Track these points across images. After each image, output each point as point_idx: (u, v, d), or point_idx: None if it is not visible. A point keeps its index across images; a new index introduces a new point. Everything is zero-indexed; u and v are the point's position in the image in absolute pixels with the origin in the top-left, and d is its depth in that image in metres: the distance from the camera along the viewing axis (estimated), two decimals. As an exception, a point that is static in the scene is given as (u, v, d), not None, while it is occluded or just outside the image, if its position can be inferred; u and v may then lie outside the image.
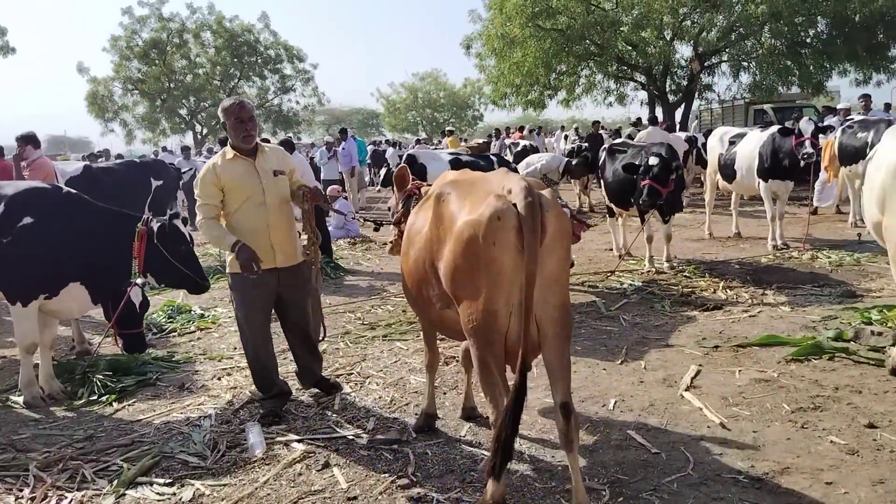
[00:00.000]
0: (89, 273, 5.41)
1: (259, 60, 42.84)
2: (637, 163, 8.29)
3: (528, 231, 3.00)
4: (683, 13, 20.35)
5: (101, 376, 5.82)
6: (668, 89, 23.35)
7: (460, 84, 60.09)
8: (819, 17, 19.86)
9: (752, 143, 10.30)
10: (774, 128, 10.35)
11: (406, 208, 4.42)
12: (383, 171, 17.35)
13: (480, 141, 24.53)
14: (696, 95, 24.37)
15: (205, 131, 43.05)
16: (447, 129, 25.84)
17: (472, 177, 3.71)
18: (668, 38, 20.30)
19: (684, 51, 22.94)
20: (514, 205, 3.07)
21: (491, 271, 3.10)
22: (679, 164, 8.22)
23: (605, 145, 10.33)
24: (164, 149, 28.31)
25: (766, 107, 22.49)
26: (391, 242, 4.80)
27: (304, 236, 5.03)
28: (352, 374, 5.76)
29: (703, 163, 14.53)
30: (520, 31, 19.88)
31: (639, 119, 24.34)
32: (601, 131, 18.65)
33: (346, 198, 15.91)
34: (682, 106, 23.73)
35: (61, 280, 5.37)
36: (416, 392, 5.25)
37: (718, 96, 25.68)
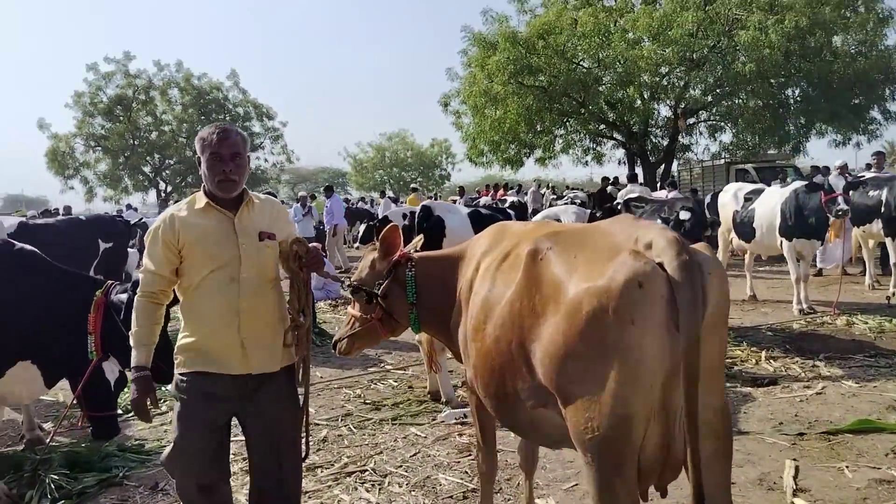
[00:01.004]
0: (41, 349, 4.35)
1: (227, 118, 42.02)
2: (666, 217, 7.55)
3: (685, 303, 2.11)
4: (666, 70, 20.15)
5: (55, 475, 4.69)
6: (647, 148, 23.04)
7: (427, 144, 60.24)
8: (801, 78, 19.75)
9: (773, 200, 9.66)
10: (796, 184, 9.75)
11: (394, 278, 3.54)
12: (362, 228, 16.64)
13: (451, 199, 23.99)
14: (675, 155, 24.14)
15: (168, 189, 41.83)
16: (412, 186, 25.28)
17: (577, 227, 2.81)
18: (649, 96, 19.99)
19: (664, 110, 22.74)
20: (661, 265, 2.19)
21: (627, 360, 2.19)
22: (715, 220, 7.49)
23: (619, 200, 9.60)
24: (129, 206, 27.06)
25: (749, 167, 22.27)
26: (347, 329, 3.66)
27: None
28: (366, 471, 4.72)
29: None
30: (501, 88, 19.42)
31: (615, 178, 24.02)
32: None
33: (325, 256, 14.93)
34: (663, 166, 23.39)
35: (5, 358, 4.30)
36: (449, 497, 4.24)
37: (696, 156, 25.56)
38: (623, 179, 25.35)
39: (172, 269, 3.07)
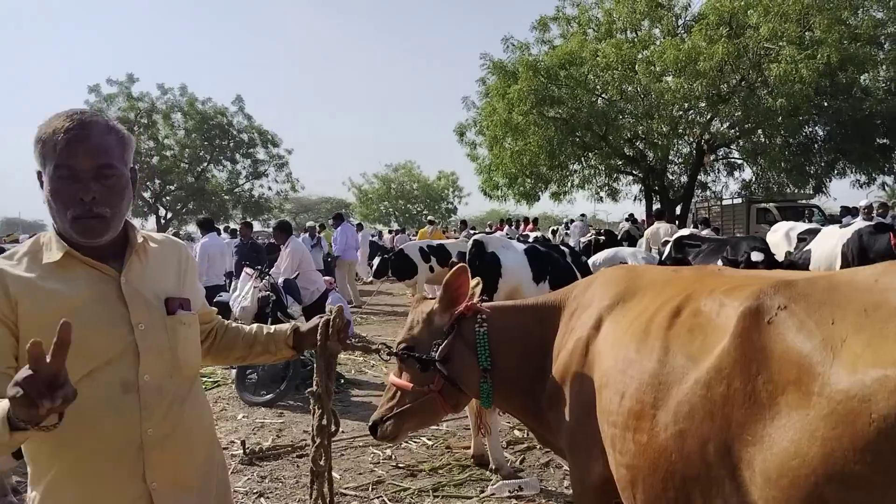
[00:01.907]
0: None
1: (231, 144, 41.40)
2: (732, 258, 6.72)
3: None
4: (689, 105, 19.53)
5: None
6: (665, 184, 22.37)
7: (434, 176, 59.70)
8: (831, 115, 19.13)
9: (832, 241, 8.88)
10: (858, 224, 8.99)
11: (457, 336, 2.70)
12: (377, 261, 15.71)
13: (473, 232, 23.17)
14: (694, 192, 23.48)
15: (169, 215, 41.07)
16: (429, 218, 24.42)
17: (802, 276, 1.94)
18: (671, 131, 19.33)
19: (684, 146, 22.12)
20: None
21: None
22: (792, 262, 6.67)
23: (666, 238, 8.78)
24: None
25: (770, 206, 21.55)
26: (392, 405, 2.78)
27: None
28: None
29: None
30: (523, 118, 18.74)
31: (631, 215, 23.29)
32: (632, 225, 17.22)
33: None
34: (681, 204, 22.68)
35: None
36: None
37: (715, 194, 24.89)
38: (639, 216, 24.73)
39: (13, 356, 1.71)
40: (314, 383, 2.28)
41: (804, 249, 9.29)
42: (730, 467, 1.69)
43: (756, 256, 6.49)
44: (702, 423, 1.77)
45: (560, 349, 2.48)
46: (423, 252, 14.76)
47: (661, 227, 13.05)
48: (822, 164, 20.72)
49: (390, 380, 2.81)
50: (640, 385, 1.98)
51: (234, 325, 2.33)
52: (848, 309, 1.59)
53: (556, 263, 5.86)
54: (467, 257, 5.56)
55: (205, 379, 5.11)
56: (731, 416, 1.69)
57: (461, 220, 24.26)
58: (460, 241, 16.81)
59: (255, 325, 2.33)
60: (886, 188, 22.16)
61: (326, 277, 12.85)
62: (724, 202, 24.58)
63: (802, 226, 10.24)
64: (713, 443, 1.73)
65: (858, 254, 8.49)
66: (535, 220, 22.66)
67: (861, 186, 21.56)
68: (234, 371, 8.46)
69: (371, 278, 16.43)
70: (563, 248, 6.56)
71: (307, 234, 17.05)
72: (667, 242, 8.94)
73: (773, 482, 1.58)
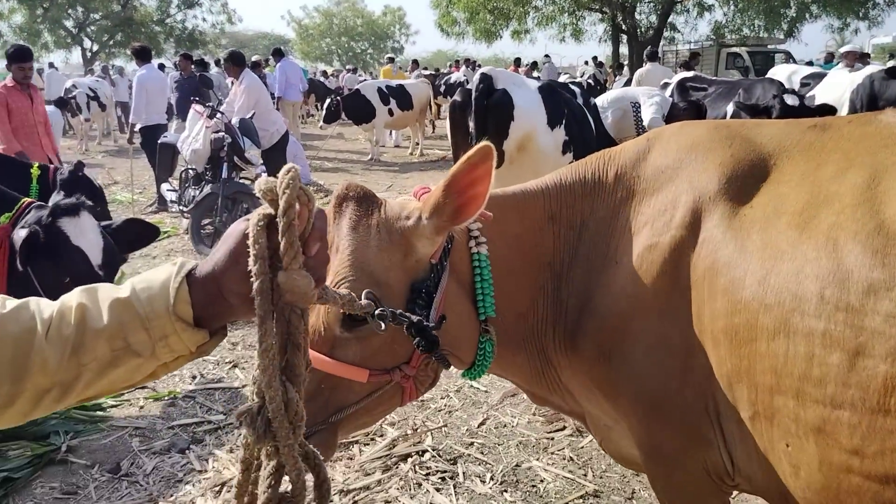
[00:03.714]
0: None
1: (159, -32, 37.80)
2: (755, 105, 6.00)
3: None
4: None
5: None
6: (636, 24, 21.20)
7: (380, 12, 56.36)
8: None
9: (840, 87, 8.24)
10: (870, 68, 8.32)
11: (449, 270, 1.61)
12: (326, 103, 14.36)
13: (426, 73, 21.64)
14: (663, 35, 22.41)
15: (95, 48, 37.81)
16: (388, 56, 22.67)
17: None
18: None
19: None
20: None
21: None
22: (830, 107, 6.00)
23: (668, 80, 7.98)
24: (51, 65, 23.81)
25: (742, 50, 20.75)
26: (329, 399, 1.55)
27: None
28: None
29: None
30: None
31: (594, 57, 22.17)
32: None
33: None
34: (650, 46, 21.61)
35: None
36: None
37: (684, 37, 23.88)
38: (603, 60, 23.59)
39: None
40: (252, 391, 0.94)
41: (808, 96, 8.64)
42: None
43: (791, 100, 5.77)
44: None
45: (618, 260, 1.60)
46: (382, 93, 13.64)
47: (654, 68, 11.97)
48: (800, 6, 19.78)
49: (314, 360, 1.42)
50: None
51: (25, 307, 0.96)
52: None
53: (571, 105, 5.02)
54: (473, 95, 4.65)
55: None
56: None
57: (412, 60, 22.58)
58: (419, 81, 15.58)
59: (76, 297, 0.98)
60: (858, 33, 21.44)
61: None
62: (693, 46, 23.62)
63: (806, 69, 9.57)
64: None
65: (868, 102, 7.91)
66: (533, 63, 20.41)
67: (834, 31, 20.86)
68: (185, 222, 7.59)
69: (322, 124, 15.18)
70: (573, 87, 5.70)
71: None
72: (665, 85, 8.13)
73: None
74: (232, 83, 8.65)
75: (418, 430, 3.64)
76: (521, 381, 1.89)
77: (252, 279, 0.90)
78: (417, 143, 14.82)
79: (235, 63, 8.28)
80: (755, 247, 1.36)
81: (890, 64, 8.44)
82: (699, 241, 1.46)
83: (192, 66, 10.66)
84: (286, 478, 0.94)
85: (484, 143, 1.42)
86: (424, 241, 1.52)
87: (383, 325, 1.38)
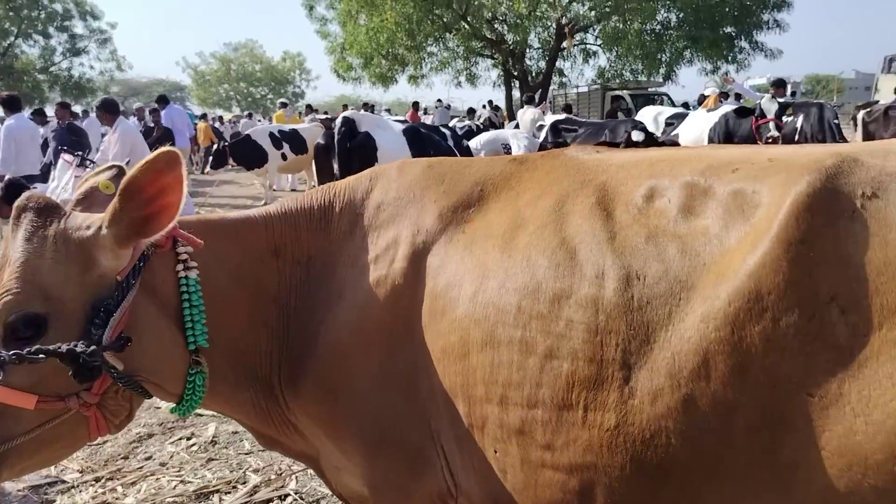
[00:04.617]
0: None
1: (42, 15, 36.59)
2: (611, 140, 6.38)
3: None
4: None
5: None
6: (525, 69, 22.05)
7: (279, 57, 56.30)
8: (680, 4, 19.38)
9: (700, 125, 8.88)
10: (725, 108, 9.01)
11: (146, 290, 1.53)
12: (214, 148, 14.17)
13: (321, 117, 21.69)
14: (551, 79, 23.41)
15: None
16: (281, 101, 22.64)
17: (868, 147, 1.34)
18: (533, 11, 18.77)
19: (542, 31, 21.77)
20: None
21: None
22: (673, 142, 6.42)
23: (541, 123, 8.34)
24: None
25: (625, 93, 21.88)
26: None
27: None
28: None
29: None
30: (382, -8, 17.44)
31: (490, 101, 22.87)
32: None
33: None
34: (540, 90, 22.51)
35: None
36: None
37: (570, 81, 24.98)
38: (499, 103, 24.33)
39: None
40: None
41: (672, 134, 9.23)
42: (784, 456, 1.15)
43: (637, 136, 6.17)
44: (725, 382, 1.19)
45: (342, 296, 1.61)
46: (275, 137, 13.58)
47: (529, 111, 12.50)
48: (673, 52, 21.10)
49: None
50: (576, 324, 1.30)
51: None
52: None
53: (438, 146, 5.17)
54: (336, 138, 4.72)
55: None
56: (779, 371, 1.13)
57: (306, 105, 22.54)
58: (313, 126, 15.62)
59: None
60: (728, 75, 23.03)
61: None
62: (580, 89, 24.76)
63: (670, 110, 10.20)
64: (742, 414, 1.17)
65: (724, 136, 8.55)
66: (415, 105, 20.69)
67: (707, 74, 22.30)
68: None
69: (208, 168, 14.94)
70: (443, 129, 5.88)
71: (135, 118, 15.20)
72: (541, 127, 8.50)
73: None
74: (105, 133, 8.45)
75: (283, 475, 3.58)
76: (248, 421, 1.81)
77: None
78: (314, 186, 14.76)
79: (108, 111, 8.08)
80: (467, 268, 1.47)
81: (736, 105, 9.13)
82: (421, 271, 1.54)
83: (68, 114, 10.36)
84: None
85: (168, 148, 1.38)
86: (108, 254, 1.43)
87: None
